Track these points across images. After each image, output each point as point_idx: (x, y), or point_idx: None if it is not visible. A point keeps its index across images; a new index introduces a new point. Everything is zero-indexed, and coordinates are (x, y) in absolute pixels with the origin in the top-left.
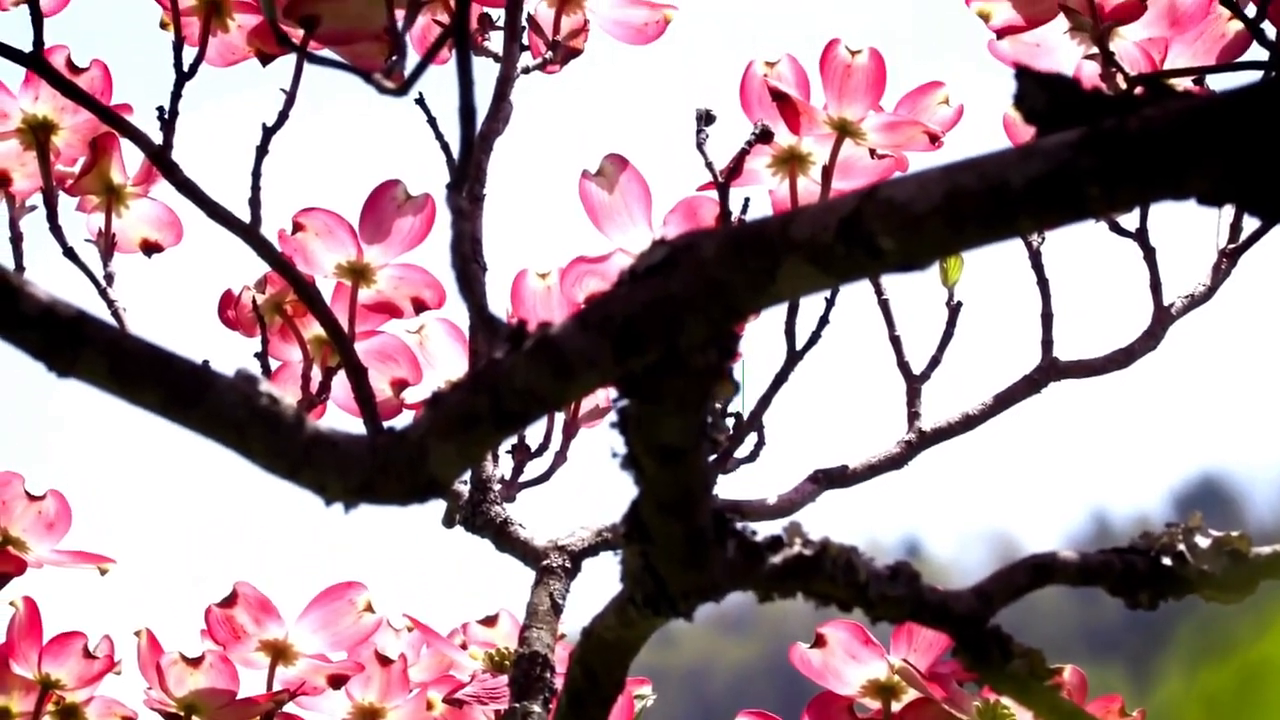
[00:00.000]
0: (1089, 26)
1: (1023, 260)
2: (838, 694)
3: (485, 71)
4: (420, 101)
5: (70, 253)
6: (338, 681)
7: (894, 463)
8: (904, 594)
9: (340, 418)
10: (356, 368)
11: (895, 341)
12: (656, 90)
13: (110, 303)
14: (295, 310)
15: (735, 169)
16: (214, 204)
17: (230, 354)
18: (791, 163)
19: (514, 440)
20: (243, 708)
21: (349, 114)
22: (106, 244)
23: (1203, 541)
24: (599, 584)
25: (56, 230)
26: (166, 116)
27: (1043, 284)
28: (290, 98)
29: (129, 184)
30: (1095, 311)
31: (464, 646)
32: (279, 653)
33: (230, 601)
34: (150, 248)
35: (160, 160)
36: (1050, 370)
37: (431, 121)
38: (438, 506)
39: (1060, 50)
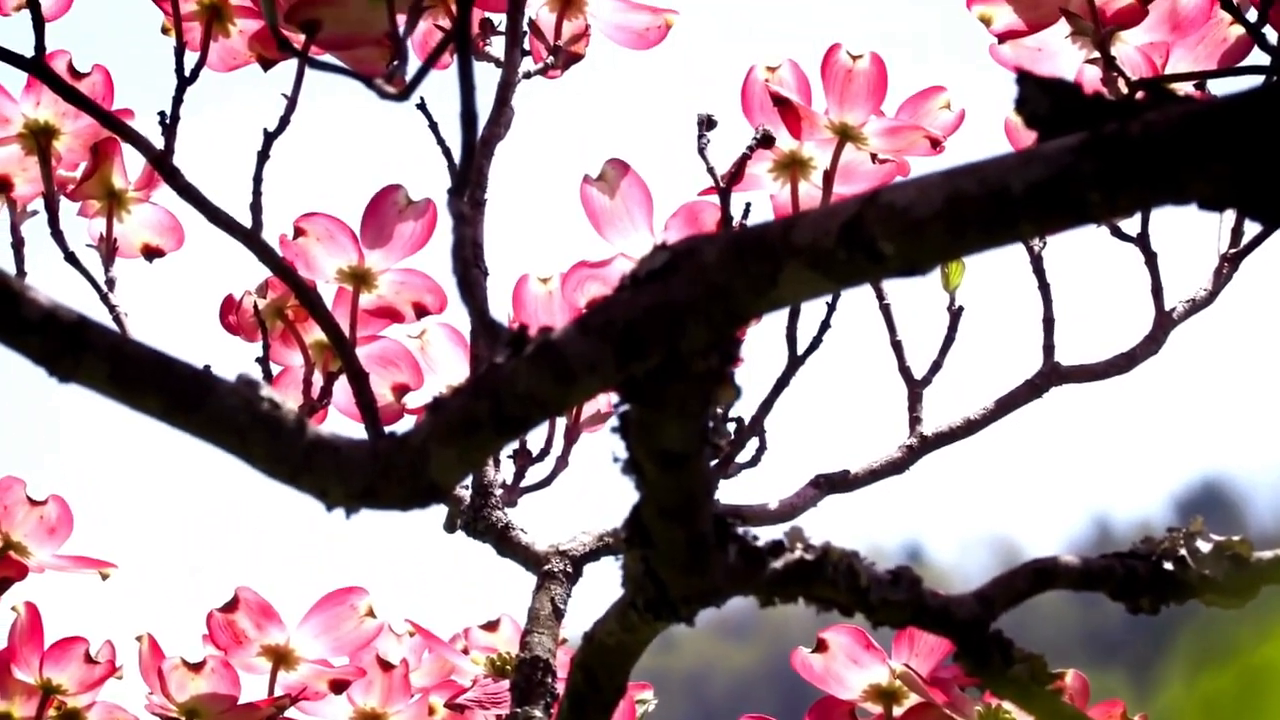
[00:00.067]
0: (1090, 31)
1: (1024, 265)
2: (839, 699)
3: (486, 76)
4: (422, 106)
5: (71, 258)
6: (339, 686)
7: (895, 467)
8: (905, 599)
9: (341, 423)
10: (358, 373)
11: (897, 346)
12: (658, 95)
13: (111, 308)
14: (297, 315)
15: (736, 174)
16: (215, 209)
17: (231, 359)
18: (793, 167)
19: (515, 445)
20: (244, 713)
21: (350, 119)
22: (108, 249)
23: (1204, 546)
24: (600, 589)
25: (58, 235)
26: (168, 121)
27: (1044, 288)
28: (291, 103)
29: (130, 189)
30: (1097, 316)
31: (465, 651)
32: (280, 658)
33: (232, 606)
34: (151, 253)
35: (161, 165)
36: (1052, 375)
37: (433, 126)
38: (439, 511)
39: (1062, 55)
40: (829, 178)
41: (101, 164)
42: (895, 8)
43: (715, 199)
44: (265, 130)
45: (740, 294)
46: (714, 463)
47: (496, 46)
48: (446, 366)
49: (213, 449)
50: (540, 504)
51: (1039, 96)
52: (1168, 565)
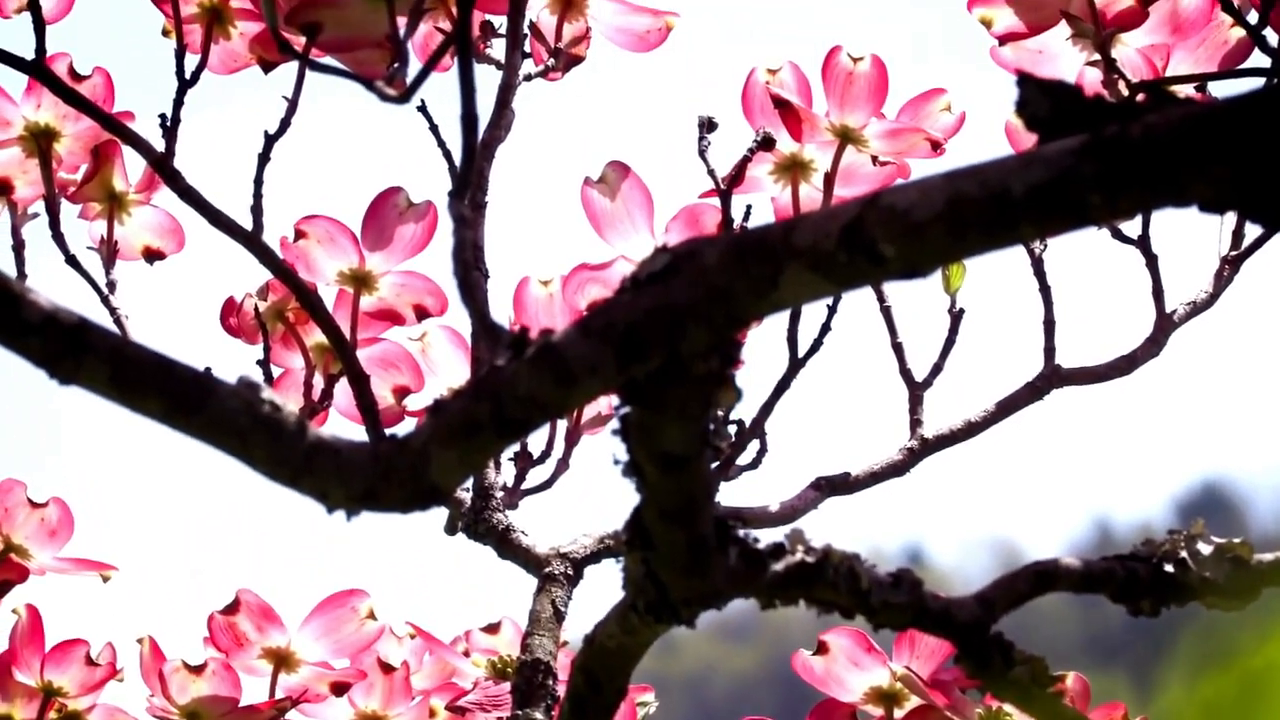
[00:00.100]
0: (1091, 33)
1: (1025, 267)
2: (840, 701)
3: (487, 79)
4: (422, 109)
5: (72, 260)
6: (340, 689)
7: (896, 470)
8: (906, 601)
9: (342, 425)
10: (358, 375)
11: (897, 348)
12: (658, 97)
13: (112, 310)
14: (297, 317)
15: (737, 176)
16: (216, 211)
17: (232, 361)
18: (793, 170)
19: (516, 447)
20: (245, 715)
21: (351, 122)
22: (108, 251)
23: (1205, 548)
24: (601, 591)
25: (58, 237)
26: (169, 124)
27: (1045, 291)
28: (292, 105)
29: (131, 191)
30: (1097, 318)
31: (466, 654)
32: (281, 660)
33: (233, 609)
34: (152, 255)
35: (162, 167)
36: (1052, 377)
37: (433, 129)
38: (440, 514)
39: (1062, 57)
40: (830, 180)
41: (102, 166)
42: (896, 10)
43: (716, 201)
44: (266, 132)
45: (741, 296)
46: (715, 465)
47: (497, 49)
48: (447, 369)
49: (214, 451)
50: (541, 506)
51: (1040, 99)
52: (1168, 567)
